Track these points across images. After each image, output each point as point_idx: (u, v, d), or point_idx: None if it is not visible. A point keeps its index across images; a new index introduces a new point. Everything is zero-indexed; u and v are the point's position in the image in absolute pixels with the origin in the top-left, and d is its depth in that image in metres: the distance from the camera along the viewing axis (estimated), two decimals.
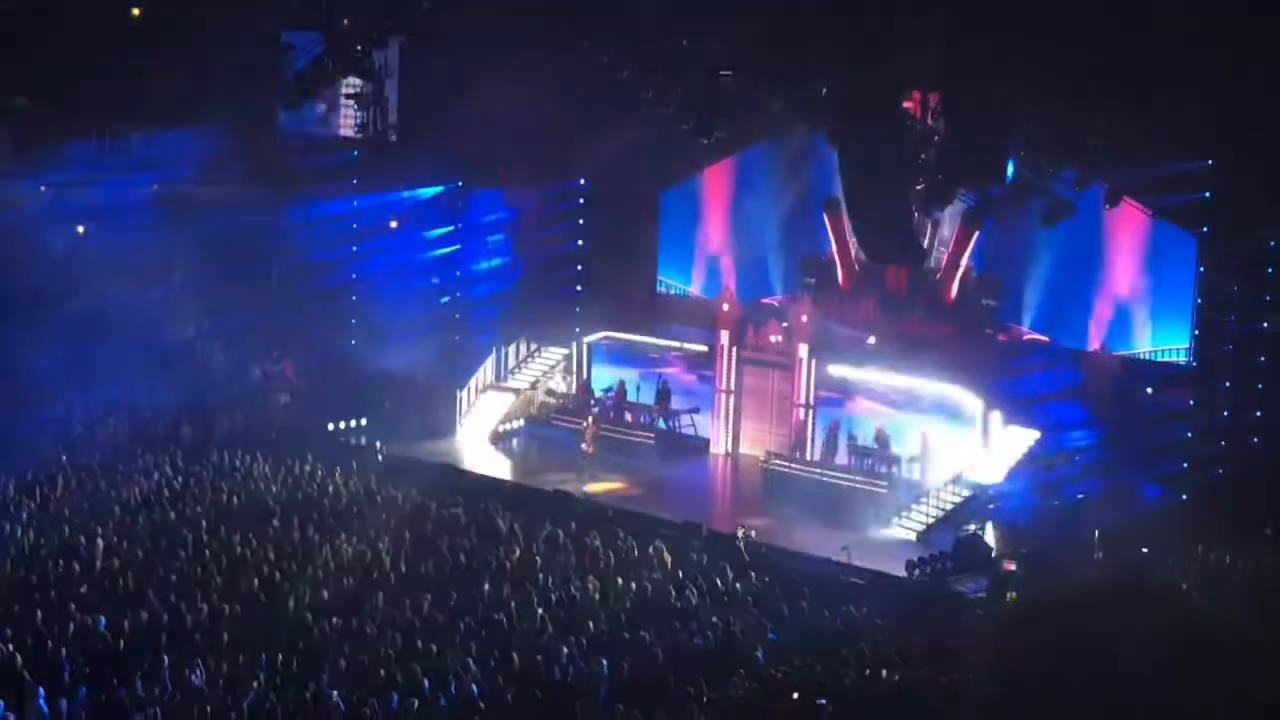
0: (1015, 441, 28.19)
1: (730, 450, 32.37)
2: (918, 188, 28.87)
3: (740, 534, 25.01)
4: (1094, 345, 29.93)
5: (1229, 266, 27.84)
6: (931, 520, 27.37)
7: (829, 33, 26.70)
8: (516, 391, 34.32)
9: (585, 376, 34.92)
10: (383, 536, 23.45)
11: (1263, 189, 26.21)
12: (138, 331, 31.19)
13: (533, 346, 35.34)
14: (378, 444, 31.17)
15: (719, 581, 22.43)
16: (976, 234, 30.77)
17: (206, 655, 17.69)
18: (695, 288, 36.12)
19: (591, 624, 20.07)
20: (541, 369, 34.90)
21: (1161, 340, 29.26)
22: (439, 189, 36.09)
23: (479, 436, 33.57)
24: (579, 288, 37.37)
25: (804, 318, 31.53)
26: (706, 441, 32.69)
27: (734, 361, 32.30)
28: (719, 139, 30.73)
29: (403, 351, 33.90)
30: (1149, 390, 28.91)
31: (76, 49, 29.81)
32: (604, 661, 18.17)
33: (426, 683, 17.15)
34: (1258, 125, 25.04)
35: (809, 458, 30.55)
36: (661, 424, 33.02)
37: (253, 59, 31.41)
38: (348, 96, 34.21)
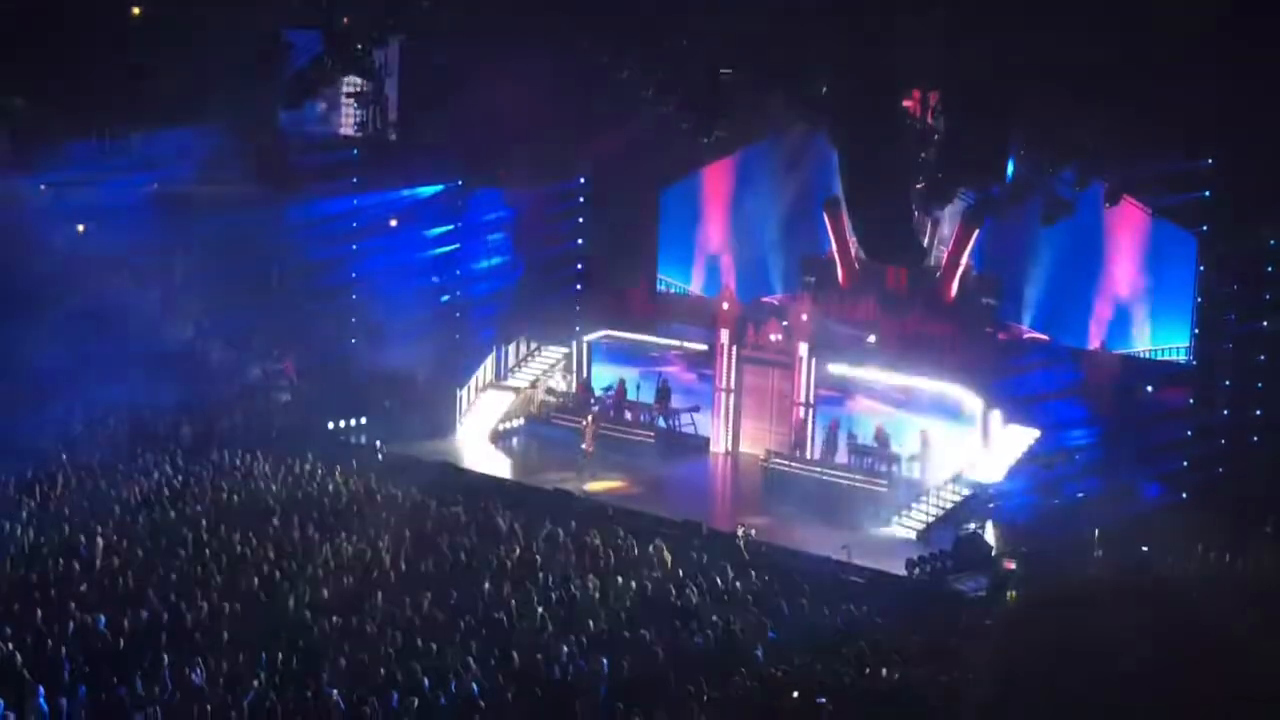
0: (1015, 440, 28.20)
1: (730, 449, 32.39)
2: (918, 186, 28.90)
3: (740, 533, 25.02)
4: (1094, 344, 29.94)
5: (1229, 265, 27.85)
6: (931, 519, 27.38)
7: (829, 32, 26.71)
8: (516, 390, 34.32)
9: (585, 375, 34.93)
10: (383, 535, 23.45)
11: (1262, 188, 26.21)
12: (138, 330, 31.23)
13: (533, 345, 35.34)
14: (378, 443, 31.17)
15: (719, 580, 22.43)
16: (976, 233, 30.78)
17: (206, 654, 17.68)
18: (695, 286, 36.13)
19: (591, 622, 20.07)
20: (541, 368, 34.90)
21: (1161, 339, 29.27)
22: (439, 188, 36.10)
23: (479, 435, 33.58)
24: (579, 286, 37.37)
25: (804, 316, 31.53)
26: (706, 440, 32.70)
27: (734, 360, 32.30)
28: (719, 138, 30.76)
29: (403, 350, 33.91)
30: (1149, 389, 28.92)
31: (76, 48, 29.78)
32: (604, 660, 18.16)
33: (426, 681, 17.15)
34: (1257, 124, 25.03)
35: (809, 456, 30.56)
36: (661, 423, 33.03)
37: (253, 58, 31.41)
38: (348, 95, 34.28)
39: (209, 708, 16.18)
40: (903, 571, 24.17)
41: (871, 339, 31.55)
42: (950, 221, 31.06)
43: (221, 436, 29.75)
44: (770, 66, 28.33)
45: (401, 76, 34.54)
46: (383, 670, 17.59)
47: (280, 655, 17.87)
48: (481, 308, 36.96)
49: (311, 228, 35.47)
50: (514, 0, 29.95)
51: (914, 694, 17.15)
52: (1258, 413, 27.54)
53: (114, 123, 32.40)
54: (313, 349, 34.42)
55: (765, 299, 34.27)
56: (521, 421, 34.34)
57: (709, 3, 28.68)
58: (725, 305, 32.84)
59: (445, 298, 36.81)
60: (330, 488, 26.55)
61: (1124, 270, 29.78)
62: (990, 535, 25.97)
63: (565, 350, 34.93)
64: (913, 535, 27.14)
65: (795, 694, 17.50)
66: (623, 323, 34.96)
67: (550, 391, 34.64)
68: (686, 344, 33.88)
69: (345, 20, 31.22)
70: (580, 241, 37.37)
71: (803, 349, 31.12)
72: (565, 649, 18.56)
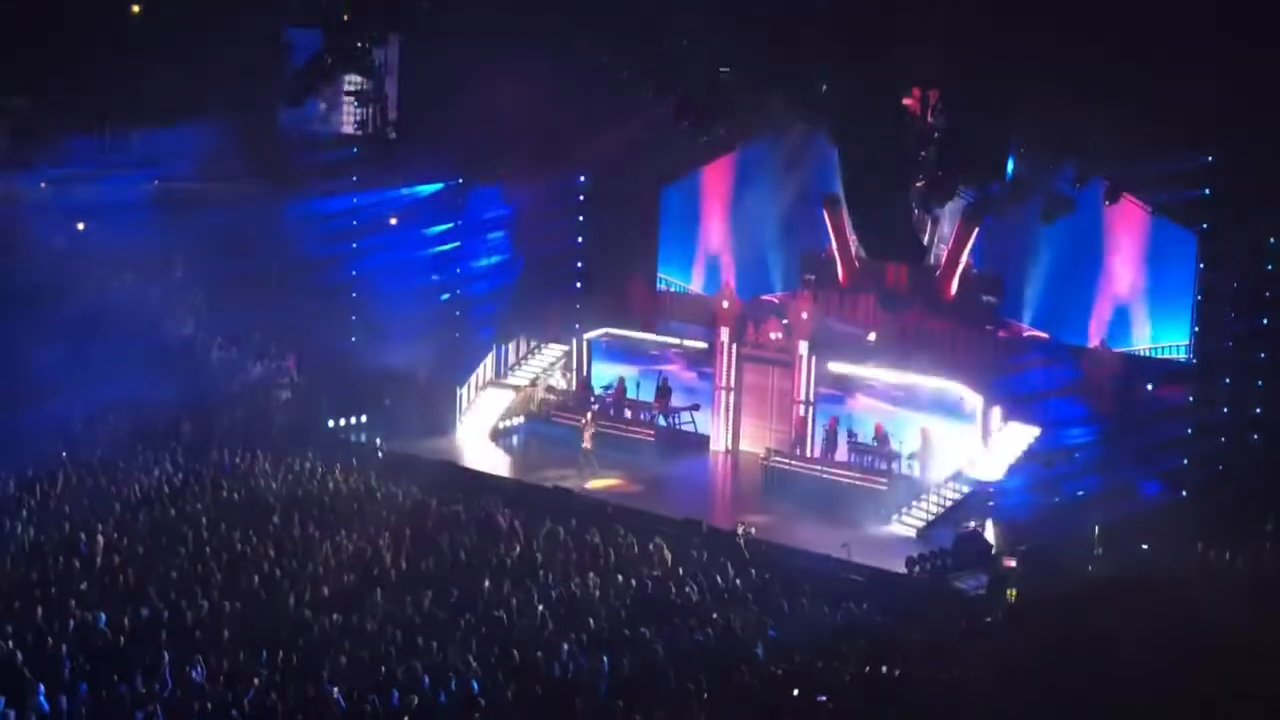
0: (1015, 438, 28.21)
1: (730, 447, 32.40)
2: (917, 184, 28.93)
3: (740, 531, 25.03)
4: (1094, 342, 29.93)
5: (1229, 263, 27.83)
6: (931, 517, 27.40)
7: (829, 30, 26.73)
8: (516, 388, 34.34)
9: (585, 373, 34.95)
10: (383, 533, 23.45)
11: (1262, 185, 26.20)
12: (138, 328, 31.20)
13: (533, 343, 35.37)
14: (378, 441, 31.19)
15: (719, 578, 22.44)
16: (976, 231, 30.76)
17: (207, 651, 17.68)
18: (695, 285, 36.12)
19: (592, 621, 20.08)
20: (541, 366, 34.93)
21: (1161, 337, 29.27)
22: (439, 186, 36.08)
23: (479, 433, 33.59)
24: (579, 285, 37.36)
25: (804, 315, 31.54)
26: (706, 438, 32.72)
27: (734, 358, 32.32)
28: (719, 136, 30.81)
29: (403, 348, 33.91)
30: (1149, 387, 28.90)
31: (76, 46, 29.78)
32: (604, 658, 18.17)
33: (427, 679, 17.15)
34: (1257, 121, 25.04)
35: (809, 455, 30.58)
36: (661, 421, 33.05)
37: (253, 56, 31.42)
38: (348, 94, 34.28)
39: (209, 705, 16.18)
40: (903, 569, 24.17)
41: (871, 337, 31.56)
42: (950, 219, 31.06)
43: (222, 434, 29.74)
44: (770, 65, 28.35)
45: (401, 75, 34.56)
46: (383, 668, 17.59)
47: (281, 653, 17.88)
48: (481, 306, 36.95)
49: (311, 226, 35.44)
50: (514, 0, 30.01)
51: (914, 692, 17.18)
52: (1258, 411, 27.53)
53: (114, 120, 32.36)
54: (313, 347, 34.40)
55: (765, 297, 34.27)
56: (521, 420, 34.36)
57: (709, 2, 28.71)
58: (725, 303, 32.84)
59: (445, 296, 36.78)
60: (330, 486, 26.54)
61: (1124, 268, 29.77)
62: (990, 533, 25.97)
63: (565, 348, 34.96)
64: (913, 533, 27.16)
65: (795, 692, 17.51)
66: (623, 321, 34.96)
67: (550, 390, 34.66)
68: (686, 342, 33.88)
69: (345, 19, 31.27)
70: (580, 240, 37.35)
71: (803, 347, 31.14)
72: (565, 647, 18.57)
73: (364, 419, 32.99)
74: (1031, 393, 29.10)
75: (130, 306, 31.82)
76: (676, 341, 34.08)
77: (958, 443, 28.86)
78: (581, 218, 37.29)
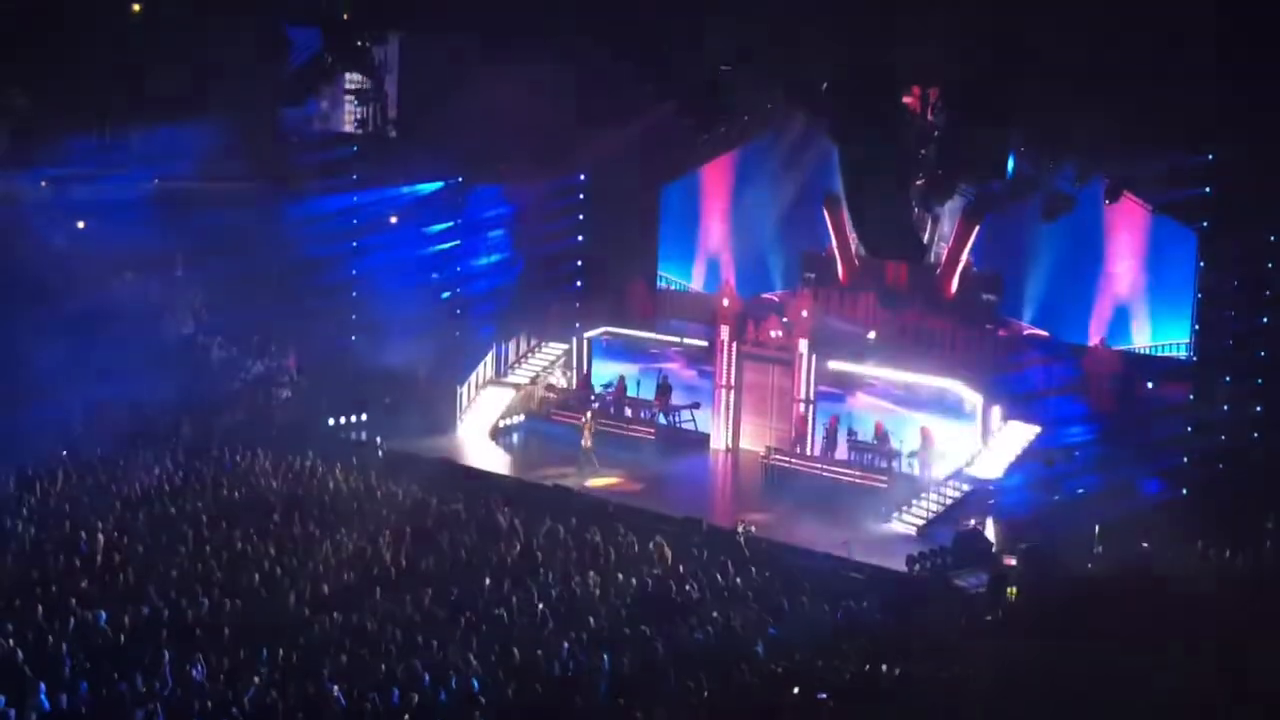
0: (1015, 436, 28.21)
1: (730, 445, 32.41)
2: (918, 183, 28.92)
3: (740, 529, 25.04)
4: (1094, 340, 29.92)
5: (1229, 261, 27.80)
6: (931, 515, 27.41)
7: (829, 28, 26.73)
8: (517, 387, 34.35)
9: (585, 372, 34.96)
10: (383, 532, 23.48)
11: (1263, 184, 26.18)
12: (138, 327, 31.23)
13: (533, 342, 35.38)
14: (378, 439, 31.19)
15: (719, 576, 22.45)
16: (976, 229, 30.76)
17: (207, 650, 17.71)
18: (695, 283, 36.12)
19: (592, 619, 20.10)
20: (542, 364, 34.93)
21: (1161, 335, 29.26)
22: (439, 185, 36.07)
23: (479, 432, 33.60)
24: (579, 283, 37.37)
25: (804, 313, 31.55)
26: (706, 437, 32.73)
27: (734, 357, 32.32)
28: (719, 134, 30.80)
29: (403, 347, 33.91)
30: (1149, 385, 28.89)
31: (76, 44, 29.79)
32: (604, 656, 18.18)
33: (427, 678, 17.17)
34: (1258, 120, 25.03)
35: (809, 453, 30.60)
36: (662, 419, 33.06)
37: (253, 55, 31.40)
38: (348, 92, 34.28)
39: (210, 703, 16.20)
40: (903, 567, 24.16)
41: (871, 335, 31.57)
42: (950, 218, 31.06)
43: (222, 433, 29.77)
44: (770, 63, 28.35)
45: (401, 74, 34.54)
46: (383, 667, 17.61)
47: (281, 651, 17.90)
48: (481, 304, 36.94)
49: (311, 225, 35.41)
50: None
51: (914, 690, 17.19)
52: (1258, 409, 27.52)
53: (114, 119, 32.37)
54: (313, 345, 34.41)
55: (765, 295, 34.27)
56: (522, 418, 34.37)
57: (709, 1, 28.71)
58: (725, 302, 32.85)
59: (445, 294, 36.78)
60: (331, 484, 26.55)
61: (1124, 266, 29.76)
62: (990, 531, 25.97)
63: (565, 347, 34.97)
64: (913, 531, 27.17)
65: (796, 690, 17.53)
66: (623, 319, 34.96)
67: (550, 388, 34.67)
68: (687, 340, 33.87)
69: (345, 17, 31.28)
70: (580, 238, 37.34)
71: (803, 345, 31.15)
72: (566, 645, 18.60)
73: (364, 417, 33.00)
74: (1031, 391, 29.10)
75: (130, 305, 31.84)
76: (676, 340, 34.08)
77: (958, 441, 28.88)
78: (582, 216, 37.28)
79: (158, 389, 29.30)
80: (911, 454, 29.18)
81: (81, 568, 20.95)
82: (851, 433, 30.23)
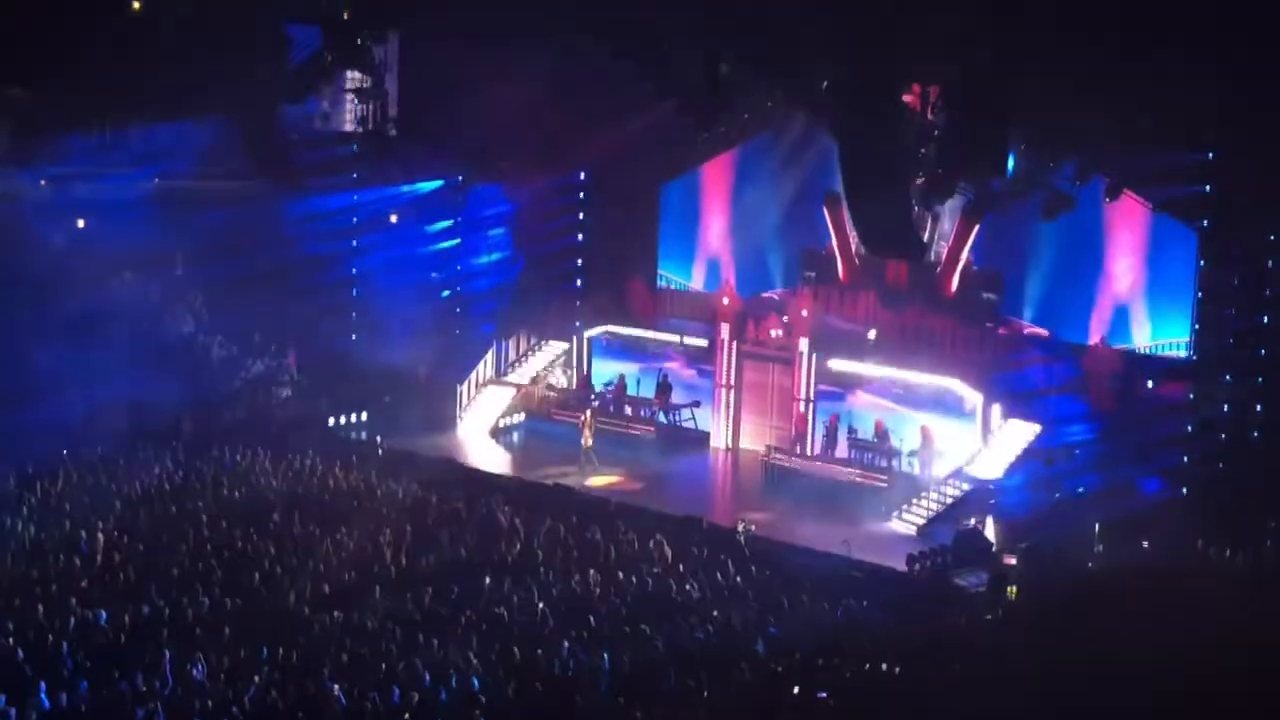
0: (1015, 435, 28.22)
1: (730, 444, 32.42)
2: (918, 181, 28.92)
3: (740, 528, 25.05)
4: (1094, 339, 29.92)
5: (1229, 260, 27.82)
6: (932, 514, 27.42)
7: (830, 26, 26.73)
8: (517, 386, 34.34)
9: (585, 370, 34.96)
10: (383, 530, 23.47)
11: (1263, 182, 26.19)
12: (138, 326, 31.26)
13: (533, 340, 35.38)
14: (378, 438, 31.20)
15: (720, 575, 22.45)
16: (977, 228, 30.75)
17: (208, 649, 17.70)
18: (696, 282, 36.12)
19: (592, 618, 20.09)
20: (542, 363, 34.93)
21: (1162, 334, 29.26)
22: (439, 183, 36.06)
23: (479, 431, 33.60)
24: (579, 282, 37.37)
25: (804, 312, 31.55)
26: (707, 435, 32.73)
27: (734, 356, 32.33)
28: (720, 132, 30.76)
29: (403, 346, 33.94)
30: (1149, 384, 28.89)
31: (76, 41, 29.76)
32: (605, 655, 18.19)
33: (427, 676, 17.17)
34: (1258, 118, 25.03)
35: (809, 452, 30.60)
36: (662, 418, 33.07)
37: (253, 54, 31.37)
38: (348, 91, 34.26)
39: (210, 703, 16.20)
40: (903, 567, 24.17)
41: (872, 334, 31.56)
42: (950, 216, 31.04)
43: (222, 431, 29.76)
44: (771, 61, 28.35)
45: (401, 72, 34.52)
46: (384, 665, 17.61)
47: (281, 650, 17.89)
48: (482, 303, 36.95)
49: (312, 223, 35.41)
50: None
51: (914, 689, 17.18)
52: (1258, 408, 27.53)
53: (114, 118, 32.35)
54: (313, 344, 34.41)
55: (765, 294, 34.28)
56: (522, 417, 34.37)
57: (709, 1, 28.71)
58: (725, 300, 32.86)
59: (445, 293, 36.79)
60: (331, 483, 26.57)
61: (1124, 265, 29.76)
62: (990, 531, 25.99)
63: (565, 345, 34.97)
64: (913, 530, 27.18)
65: (796, 689, 17.52)
66: (623, 318, 34.96)
67: (550, 387, 34.67)
68: (687, 339, 33.88)
69: (345, 15, 31.25)
70: (580, 237, 37.35)
71: (803, 344, 31.15)
72: (566, 644, 18.59)
73: (364, 416, 33.00)
74: (1032, 390, 29.11)
75: (131, 304, 31.84)
76: (677, 339, 34.09)
77: (958, 440, 28.90)
78: (582, 215, 37.28)
79: (158, 388, 29.29)
80: (912, 453, 29.19)
81: (82, 567, 20.95)
82: (852, 431, 30.23)
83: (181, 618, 18.98)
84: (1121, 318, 29.73)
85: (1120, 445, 28.06)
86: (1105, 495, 26.82)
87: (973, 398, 28.98)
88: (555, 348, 35.10)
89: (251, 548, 22.24)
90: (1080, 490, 27.38)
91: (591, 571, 22.01)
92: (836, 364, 30.90)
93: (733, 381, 32.39)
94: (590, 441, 30.49)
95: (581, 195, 37.17)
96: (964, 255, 31.18)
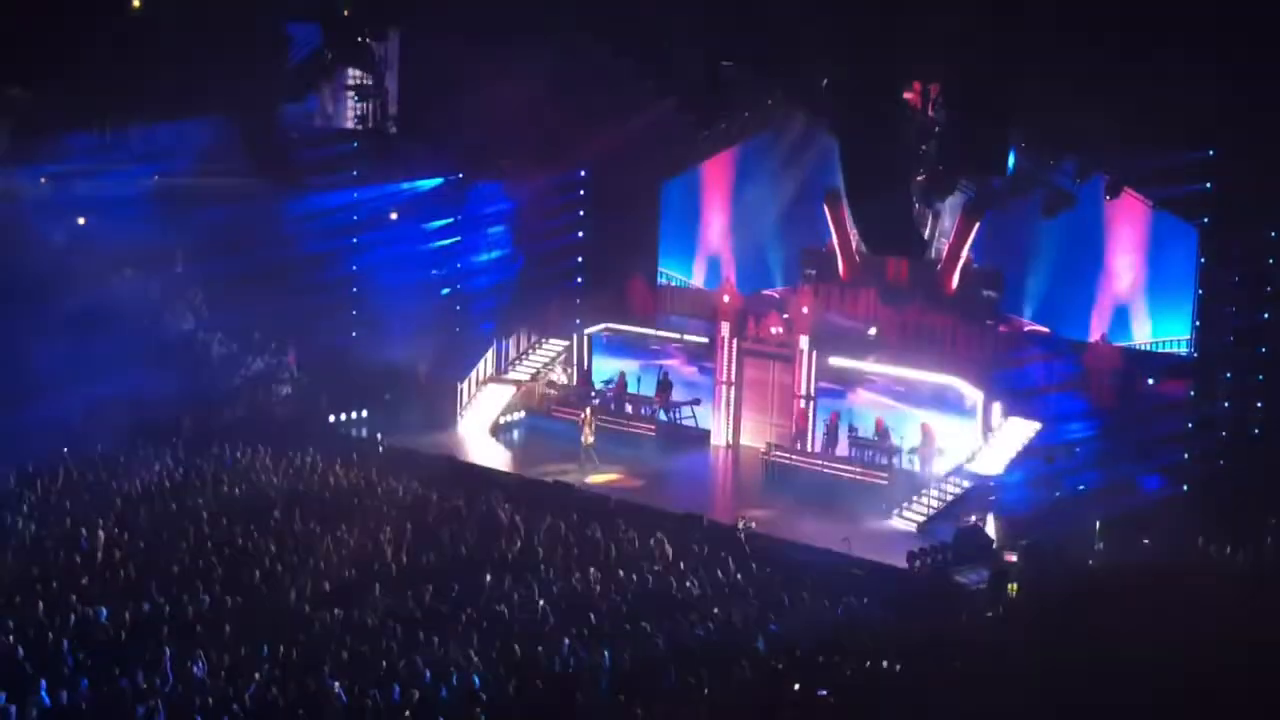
0: (1015, 433, 28.22)
1: (731, 442, 32.41)
2: (918, 179, 28.92)
3: (741, 525, 25.05)
4: (1095, 336, 29.91)
5: (1230, 257, 27.80)
6: (932, 512, 27.42)
7: (830, 26, 26.72)
8: (517, 383, 34.34)
9: (586, 368, 34.96)
10: (384, 528, 23.48)
11: (1264, 180, 26.18)
12: (138, 323, 31.24)
13: (533, 338, 35.38)
14: (378, 436, 31.19)
15: (720, 573, 22.47)
16: (977, 225, 30.75)
17: (208, 646, 17.72)
18: (696, 279, 36.12)
19: (593, 615, 20.10)
20: (542, 361, 34.93)
21: (1162, 331, 29.25)
22: (439, 181, 36.05)
23: (480, 428, 33.60)
24: (579, 279, 37.34)
25: (804, 309, 31.56)
26: (707, 433, 32.73)
27: (734, 353, 32.33)
28: (720, 130, 30.74)
29: (403, 343, 33.92)
30: (1150, 381, 28.89)
31: (76, 40, 29.75)
32: (605, 652, 18.21)
33: (428, 674, 17.19)
34: (1259, 115, 25.02)
35: (810, 449, 30.60)
36: (662, 415, 33.07)
37: (253, 51, 31.37)
38: (348, 88, 34.26)
39: (210, 700, 16.20)
40: (904, 564, 24.18)
41: (872, 332, 31.57)
42: (951, 214, 31.05)
43: (222, 429, 29.76)
44: (771, 58, 28.34)
45: (402, 70, 34.52)
46: (384, 663, 17.61)
47: (282, 648, 17.91)
48: (482, 301, 36.96)
49: (312, 221, 35.40)
50: None
51: (915, 686, 17.19)
52: (1258, 405, 27.53)
53: (114, 116, 32.34)
54: (313, 342, 34.40)
55: (766, 292, 34.28)
56: (522, 414, 34.37)
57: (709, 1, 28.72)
58: (726, 298, 32.85)
59: (446, 291, 36.79)
60: (331, 481, 26.58)
61: (1125, 263, 29.75)
62: (991, 528, 25.99)
63: (566, 343, 34.97)
64: (913, 528, 27.18)
65: (796, 686, 17.53)
66: (623, 316, 34.96)
67: (551, 385, 34.67)
68: (687, 337, 33.88)
69: (345, 13, 31.25)
70: (581, 235, 37.33)
71: (803, 342, 31.15)
72: (566, 641, 18.61)
73: (364, 414, 32.99)
74: (1032, 387, 29.11)
75: (131, 302, 31.84)
76: (677, 336, 34.08)
77: (958, 437, 28.90)
78: (582, 213, 37.26)
79: (158, 385, 29.27)
80: (912, 450, 29.19)
81: (82, 564, 20.96)
82: (852, 429, 30.24)
83: (182, 615, 18.99)
84: (1122, 315, 29.73)
85: (1121, 443, 28.06)
86: (1106, 492, 26.82)
87: (973, 395, 28.98)
88: (555, 345, 35.10)
89: (252, 545, 22.25)
90: (1081, 487, 27.38)
91: (592, 569, 22.03)
92: (837, 361, 30.91)
93: (733, 379, 32.39)
94: (591, 439, 30.50)
95: (582, 193, 37.14)
96: (964, 253, 31.18)
